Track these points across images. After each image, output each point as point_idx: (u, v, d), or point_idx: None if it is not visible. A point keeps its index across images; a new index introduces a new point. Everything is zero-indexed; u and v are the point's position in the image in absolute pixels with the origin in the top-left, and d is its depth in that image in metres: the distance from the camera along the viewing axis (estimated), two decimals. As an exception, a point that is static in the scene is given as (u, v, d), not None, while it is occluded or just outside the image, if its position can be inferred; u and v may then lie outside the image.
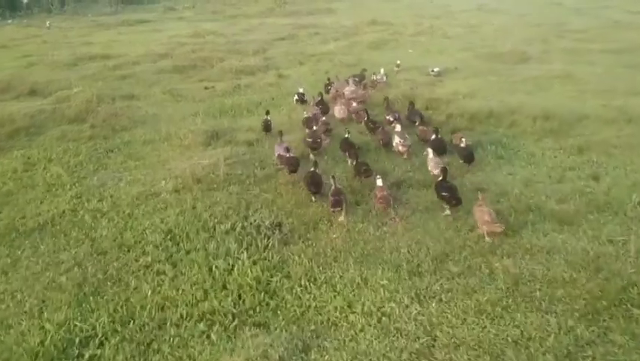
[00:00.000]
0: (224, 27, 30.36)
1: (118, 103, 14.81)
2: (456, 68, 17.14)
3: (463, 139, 9.63)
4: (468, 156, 9.42)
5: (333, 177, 8.42)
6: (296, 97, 13.93)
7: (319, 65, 19.06)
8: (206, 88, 16.24)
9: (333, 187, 8.10)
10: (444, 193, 7.87)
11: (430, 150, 9.33)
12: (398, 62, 17.24)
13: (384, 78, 15.22)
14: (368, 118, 11.33)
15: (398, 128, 10.40)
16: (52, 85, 16.90)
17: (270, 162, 10.00)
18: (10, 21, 39.51)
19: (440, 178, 8.14)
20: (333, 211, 7.93)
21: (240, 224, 7.79)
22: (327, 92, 14.05)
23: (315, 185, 8.41)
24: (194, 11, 40.96)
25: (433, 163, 9.06)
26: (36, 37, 30.06)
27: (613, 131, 10.85)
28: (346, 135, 10.22)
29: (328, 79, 14.93)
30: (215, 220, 7.96)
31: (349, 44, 22.73)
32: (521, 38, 22.16)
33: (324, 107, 12.19)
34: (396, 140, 10.07)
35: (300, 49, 22.25)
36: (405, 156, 9.93)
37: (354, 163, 9.16)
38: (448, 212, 7.89)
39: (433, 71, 16.36)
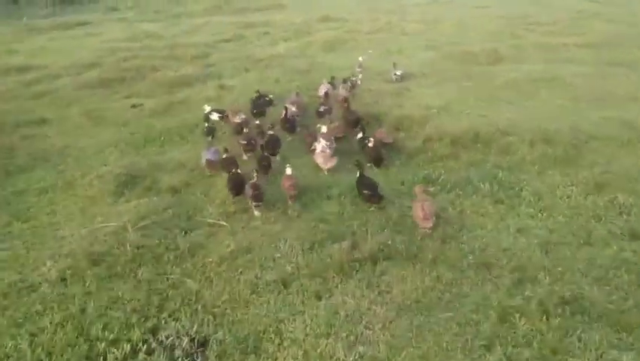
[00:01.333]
0: (165, 28, 27.04)
1: (22, 131, 11.76)
2: (423, 74, 14.59)
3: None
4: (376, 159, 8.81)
5: (256, 170, 7.78)
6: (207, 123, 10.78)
7: (268, 72, 16.29)
8: (133, 106, 13.24)
9: (252, 181, 7.48)
10: (365, 191, 7.36)
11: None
12: (360, 59, 14.39)
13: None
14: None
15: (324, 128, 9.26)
16: (-55, 109, 13.68)
17: (200, 223, 7.30)
18: None
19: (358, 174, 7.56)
20: (256, 206, 7.36)
21: (145, 346, 5.08)
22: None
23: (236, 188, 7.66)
24: (137, 11, 37.36)
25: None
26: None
27: (631, 158, 8.50)
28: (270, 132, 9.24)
29: (257, 92, 12.17)
30: (109, 340, 5.23)
31: (301, 45, 19.91)
32: (487, 34, 19.79)
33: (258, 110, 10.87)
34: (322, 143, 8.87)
35: (247, 52, 19.33)
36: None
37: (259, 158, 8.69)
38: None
39: (395, 74, 13.80)
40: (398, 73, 13.94)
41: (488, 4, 28.25)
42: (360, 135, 9.28)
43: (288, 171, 7.70)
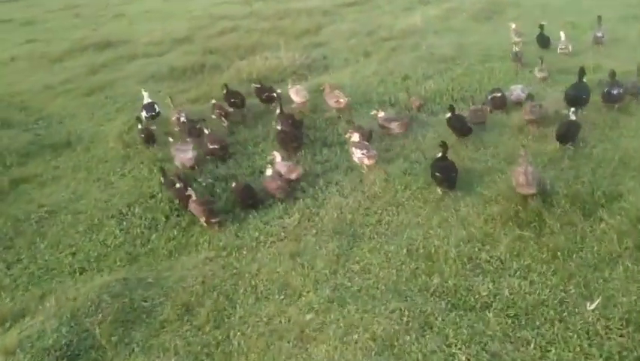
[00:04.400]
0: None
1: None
2: None
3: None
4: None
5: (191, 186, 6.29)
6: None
7: (395, 58, 10.99)
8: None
9: (194, 197, 6.06)
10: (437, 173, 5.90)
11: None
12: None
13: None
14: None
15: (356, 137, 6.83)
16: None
17: None
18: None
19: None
20: (212, 222, 5.97)
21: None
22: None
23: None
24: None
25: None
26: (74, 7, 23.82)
27: None
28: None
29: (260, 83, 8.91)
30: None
31: (444, 13, 14.13)
32: None
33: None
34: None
35: (372, 23, 14.03)
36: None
37: None
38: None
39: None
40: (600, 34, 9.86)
41: None
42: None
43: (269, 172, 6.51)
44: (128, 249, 5.77)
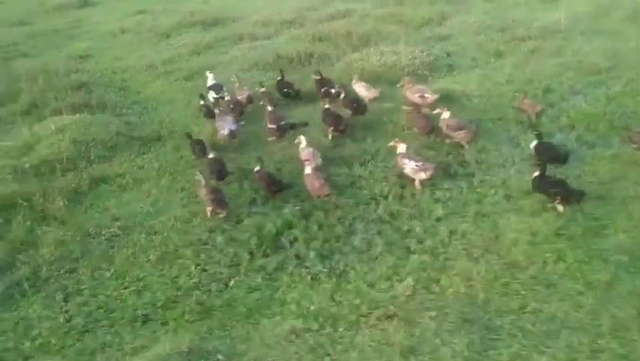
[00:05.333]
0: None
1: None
2: None
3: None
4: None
5: (201, 172, 5.98)
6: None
7: (531, 63, 9.15)
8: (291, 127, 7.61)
9: (204, 186, 5.72)
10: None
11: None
12: None
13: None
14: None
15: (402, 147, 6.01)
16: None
17: None
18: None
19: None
20: (220, 214, 5.63)
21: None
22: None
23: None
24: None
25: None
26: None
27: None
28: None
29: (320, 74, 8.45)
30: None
31: (597, 7, 11.84)
32: None
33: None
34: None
35: (505, 16, 12.04)
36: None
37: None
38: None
39: None
40: None
41: None
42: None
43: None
44: (201, 296, 4.67)
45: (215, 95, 8.16)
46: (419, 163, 5.79)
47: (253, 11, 14.83)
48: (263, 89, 8.15)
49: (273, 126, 7.14)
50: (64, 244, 5.51)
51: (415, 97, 7.37)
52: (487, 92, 8.23)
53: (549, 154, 5.84)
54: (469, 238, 5.01)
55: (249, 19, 13.79)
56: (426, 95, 7.39)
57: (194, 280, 4.87)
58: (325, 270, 4.83)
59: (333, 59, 10.35)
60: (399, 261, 4.82)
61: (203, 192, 5.70)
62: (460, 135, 6.56)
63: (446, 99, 7.67)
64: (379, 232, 5.29)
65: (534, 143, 6.03)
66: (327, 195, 5.68)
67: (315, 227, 5.38)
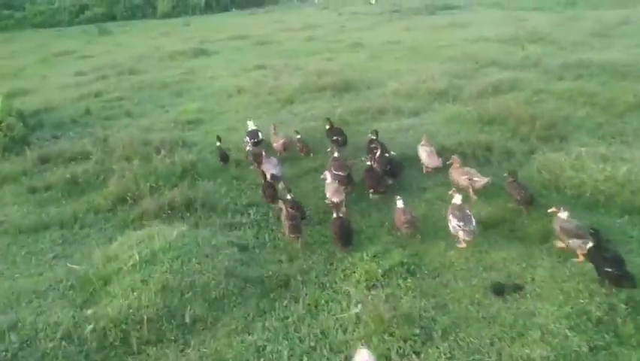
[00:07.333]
0: (557, 24, 17.13)
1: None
2: None
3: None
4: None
5: (282, 200, 5.93)
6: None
7: None
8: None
9: (284, 211, 5.76)
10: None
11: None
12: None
13: None
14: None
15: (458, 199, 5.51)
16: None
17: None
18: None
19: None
20: (292, 237, 5.60)
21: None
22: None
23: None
24: (521, -8, 27.14)
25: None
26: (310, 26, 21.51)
27: None
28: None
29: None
30: None
31: None
32: None
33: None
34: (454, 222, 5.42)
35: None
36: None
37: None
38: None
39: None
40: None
41: None
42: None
43: (400, 203, 5.69)
44: None
45: (249, 140, 8.07)
46: (461, 224, 5.24)
47: (388, 75, 12.16)
48: (298, 136, 8.04)
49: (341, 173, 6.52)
50: None
51: (462, 179, 6.33)
52: None
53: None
54: None
55: (386, 87, 11.07)
56: (475, 178, 6.30)
57: None
58: None
59: (520, 159, 7.30)
60: None
61: (282, 218, 5.78)
62: (575, 244, 4.90)
63: None
64: None
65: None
66: None
67: None
